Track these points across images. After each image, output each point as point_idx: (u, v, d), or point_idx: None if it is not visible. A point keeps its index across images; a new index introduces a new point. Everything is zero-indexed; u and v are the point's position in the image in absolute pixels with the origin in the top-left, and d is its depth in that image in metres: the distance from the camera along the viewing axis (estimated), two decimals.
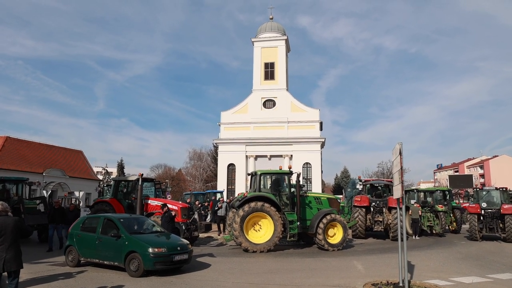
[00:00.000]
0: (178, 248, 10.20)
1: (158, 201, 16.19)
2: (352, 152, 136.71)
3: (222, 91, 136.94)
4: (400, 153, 8.26)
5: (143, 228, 11.14)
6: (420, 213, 20.33)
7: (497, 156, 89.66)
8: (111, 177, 54.83)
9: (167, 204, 14.45)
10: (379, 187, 21.02)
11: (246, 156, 42.77)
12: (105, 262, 10.46)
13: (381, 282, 8.83)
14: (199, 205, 24.37)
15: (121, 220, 10.89)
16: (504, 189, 19.58)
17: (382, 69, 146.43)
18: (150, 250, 9.64)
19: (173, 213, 14.14)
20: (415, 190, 24.46)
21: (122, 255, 9.97)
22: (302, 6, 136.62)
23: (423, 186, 50.88)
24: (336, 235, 15.25)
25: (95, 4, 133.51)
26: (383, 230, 19.63)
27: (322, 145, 42.71)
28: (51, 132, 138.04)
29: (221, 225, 20.59)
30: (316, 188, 39.79)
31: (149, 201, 16.27)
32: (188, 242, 11.05)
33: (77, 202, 29.49)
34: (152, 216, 15.22)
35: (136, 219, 11.77)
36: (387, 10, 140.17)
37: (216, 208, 22.09)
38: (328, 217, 15.08)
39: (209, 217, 24.35)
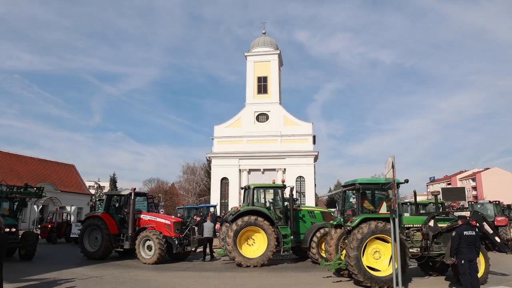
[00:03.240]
0: None
1: (150, 216, 16.03)
2: (348, 165, 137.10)
3: (219, 105, 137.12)
4: (393, 166, 8.29)
5: None
6: None
7: (489, 168, 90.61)
8: (104, 191, 54.35)
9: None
10: None
11: (239, 170, 42.69)
12: None
13: None
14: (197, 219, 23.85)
15: None
16: (497, 202, 20.23)
17: (378, 83, 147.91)
18: None
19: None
20: (408, 203, 24.50)
21: None
22: (299, 21, 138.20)
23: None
24: None
25: (93, 18, 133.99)
26: None
27: (316, 159, 42.81)
28: (45, 146, 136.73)
29: (207, 249, 16.42)
30: (309, 201, 39.72)
31: (142, 216, 16.10)
32: None
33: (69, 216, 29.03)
34: (145, 231, 15.06)
35: None
36: (384, 25, 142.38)
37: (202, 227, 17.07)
38: (322, 231, 14.97)
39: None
